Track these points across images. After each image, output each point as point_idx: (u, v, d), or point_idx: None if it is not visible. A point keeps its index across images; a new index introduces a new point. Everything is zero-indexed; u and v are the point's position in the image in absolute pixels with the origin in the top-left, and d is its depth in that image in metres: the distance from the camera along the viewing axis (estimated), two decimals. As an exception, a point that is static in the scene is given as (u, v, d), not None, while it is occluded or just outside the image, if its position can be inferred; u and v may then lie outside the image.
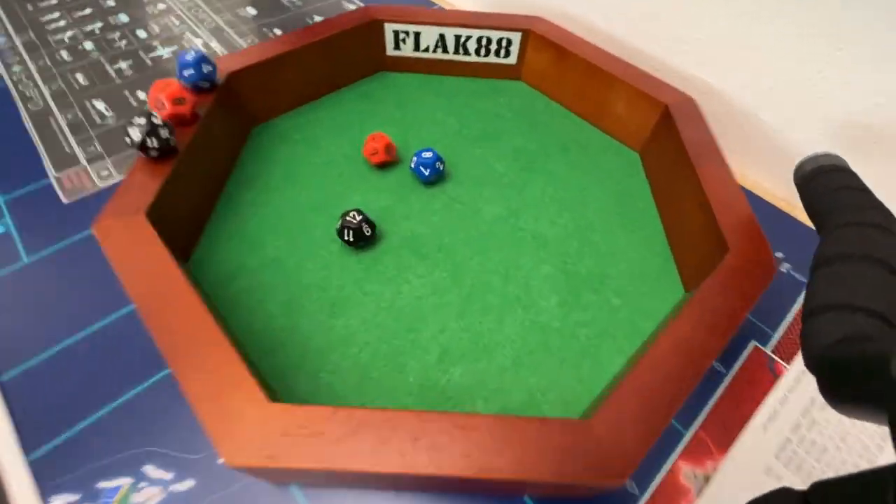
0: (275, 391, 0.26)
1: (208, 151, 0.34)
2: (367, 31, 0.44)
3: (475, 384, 0.28)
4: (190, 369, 0.21)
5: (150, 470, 0.25)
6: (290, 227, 0.34)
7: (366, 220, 0.32)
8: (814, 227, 0.24)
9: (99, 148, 0.40)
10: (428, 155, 0.36)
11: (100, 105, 0.44)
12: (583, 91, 0.43)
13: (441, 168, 0.37)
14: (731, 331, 0.25)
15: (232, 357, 0.22)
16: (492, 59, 0.46)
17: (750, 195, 0.42)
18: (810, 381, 0.31)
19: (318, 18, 0.57)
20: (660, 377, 0.23)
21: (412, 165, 0.37)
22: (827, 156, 0.26)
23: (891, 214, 0.21)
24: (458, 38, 0.45)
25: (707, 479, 0.27)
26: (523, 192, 0.38)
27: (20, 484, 0.24)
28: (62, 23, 0.53)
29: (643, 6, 0.45)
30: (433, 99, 0.46)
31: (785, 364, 0.31)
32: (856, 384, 0.16)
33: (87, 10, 0.54)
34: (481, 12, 0.45)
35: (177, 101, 0.31)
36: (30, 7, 0.54)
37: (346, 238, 0.32)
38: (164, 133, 0.29)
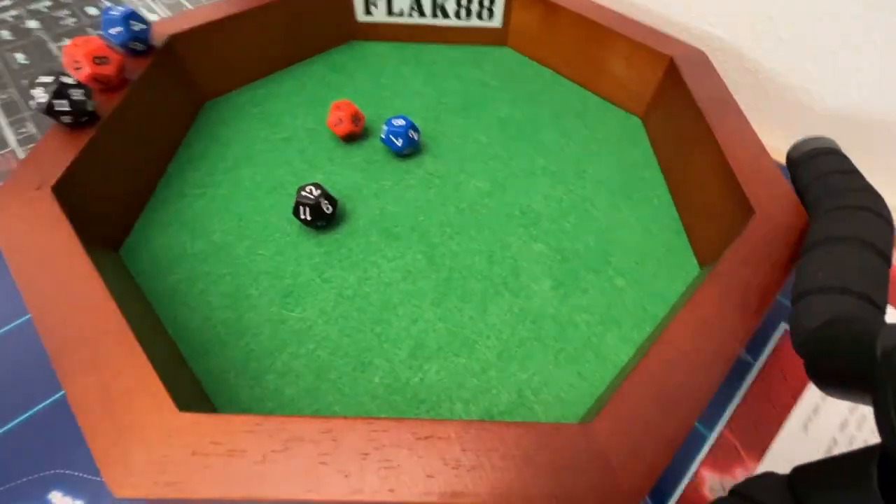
0: (206, 398, 0.22)
1: (144, 123, 0.29)
2: (333, -7, 0.39)
3: (453, 384, 0.23)
4: (77, 372, 0.17)
5: (57, 498, 0.21)
6: (241, 209, 0.30)
7: (325, 195, 0.28)
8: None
9: (33, 129, 0.36)
10: (400, 123, 0.32)
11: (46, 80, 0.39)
12: (576, 51, 0.39)
13: (416, 138, 0.32)
14: (764, 308, 0.20)
15: (137, 359, 0.17)
16: (474, 21, 0.42)
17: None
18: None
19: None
20: (678, 369, 0.18)
21: (382, 136, 0.32)
22: (818, 139, 0.26)
23: (879, 197, 0.21)
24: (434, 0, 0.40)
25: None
26: (510, 165, 0.34)
27: None
28: (7, 2, 0.48)
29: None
30: (410, 69, 0.41)
31: (822, 350, 0.26)
32: (842, 364, 0.16)
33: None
34: (460, -30, 0.41)
35: (98, 61, 0.26)
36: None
37: (302, 217, 0.27)
38: (76, 94, 0.24)
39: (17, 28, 0.45)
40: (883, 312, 0.18)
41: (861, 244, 0.19)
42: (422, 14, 0.41)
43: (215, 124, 0.35)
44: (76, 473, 0.21)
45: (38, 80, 0.24)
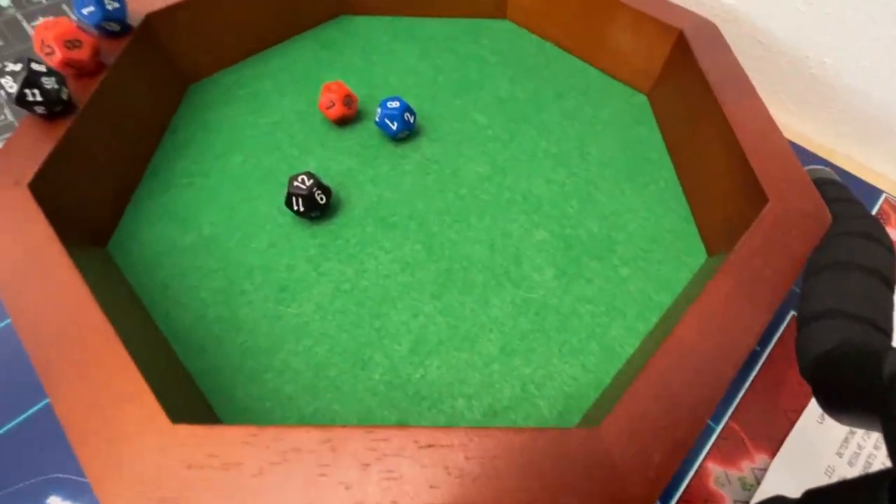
0: (205, 400, 0.21)
1: (124, 110, 0.28)
2: (320, -37, 0.37)
3: (455, 379, 0.23)
4: (63, 382, 0.16)
5: (56, 502, 0.20)
6: (231, 200, 0.29)
7: (318, 184, 0.26)
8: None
9: (9, 117, 0.34)
10: (394, 105, 0.30)
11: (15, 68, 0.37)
12: (579, 23, 0.37)
13: (411, 121, 0.31)
14: (778, 301, 0.19)
15: (125, 367, 0.17)
16: (471, -7, 0.39)
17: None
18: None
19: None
20: (688, 367, 0.17)
21: (377, 119, 0.31)
22: (818, 170, 0.27)
23: (880, 224, 0.21)
24: (429, -32, 0.38)
25: (743, 482, 0.22)
26: (511, 147, 0.32)
27: None
28: (-25, -22, 0.45)
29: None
30: (403, 44, 0.39)
31: (831, 337, 0.26)
32: (849, 390, 0.16)
33: (5, -37, 0.47)
34: (456, -65, 0.38)
35: (70, 45, 0.24)
36: (-62, -38, 0.47)
37: (295, 208, 0.26)
38: (49, 83, 0.23)
39: (-14, 6, 0.43)
40: (889, 338, 0.18)
41: (864, 270, 0.19)
42: (415, -15, 0.39)
43: (201, 109, 0.33)
44: (74, 478, 0.21)
45: (6, 68, 0.22)
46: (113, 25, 0.28)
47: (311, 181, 0.26)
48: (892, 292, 0.19)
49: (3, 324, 0.26)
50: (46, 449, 0.22)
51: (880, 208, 0.33)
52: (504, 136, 0.33)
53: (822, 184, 0.27)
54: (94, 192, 0.25)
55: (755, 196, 0.23)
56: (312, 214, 0.27)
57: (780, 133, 0.25)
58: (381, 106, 0.31)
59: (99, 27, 0.27)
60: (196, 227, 0.27)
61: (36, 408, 0.23)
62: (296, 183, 0.26)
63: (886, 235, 0.21)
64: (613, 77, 0.37)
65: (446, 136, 0.33)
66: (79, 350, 0.17)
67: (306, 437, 0.15)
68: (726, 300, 0.19)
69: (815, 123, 0.36)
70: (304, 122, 0.33)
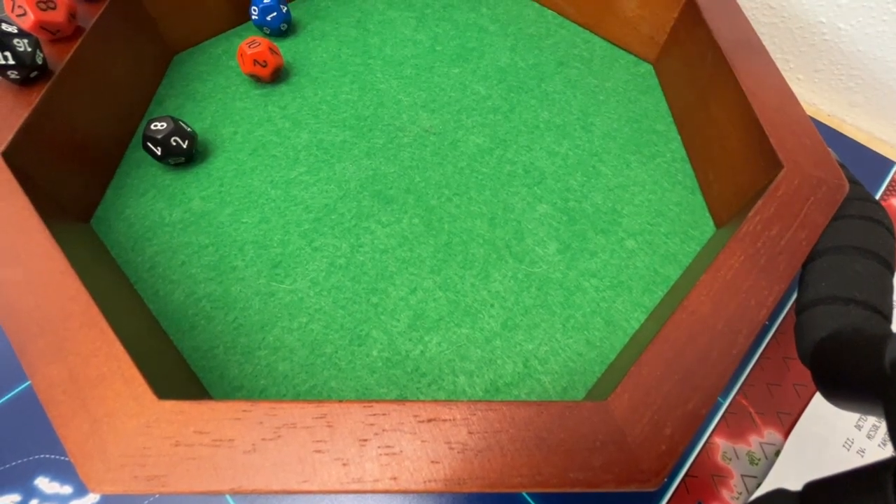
0: (197, 379, 0.20)
1: (105, 78, 0.26)
2: (310, -75, 0.35)
3: (456, 356, 0.22)
4: (42, 360, 0.15)
5: (44, 483, 0.20)
6: (221, 173, 0.28)
7: (178, 130, 0.25)
8: None
9: (-14, 89, 0.32)
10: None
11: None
12: (582, -10, 0.35)
13: (285, 9, 0.33)
14: (793, 271, 0.18)
15: (107, 342, 0.16)
16: (469, -43, 0.38)
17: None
18: None
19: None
20: (700, 339, 0.17)
21: (255, 18, 0.33)
22: None
23: (881, 206, 0.21)
24: (425, -70, 0.36)
25: (751, 457, 0.21)
26: (512, 118, 0.31)
27: None
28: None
29: None
30: (399, 13, 0.37)
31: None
32: (850, 376, 0.15)
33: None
34: None
35: (42, 6, 0.23)
36: None
37: (153, 153, 0.26)
38: (21, 45, 0.21)
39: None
40: (890, 322, 0.17)
41: (864, 254, 0.19)
42: (411, -51, 0.37)
43: (189, 79, 0.32)
44: (62, 458, 0.20)
45: (-29, 28, 0.21)
46: (90, -13, 0.26)
47: (170, 126, 0.25)
48: (893, 275, 0.19)
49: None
50: (31, 430, 0.21)
51: (892, 178, 0.32)
52: (504, 106, 0.32)
53: None
54: (75, 165, 0.24)
55: (769, 164, 0.22)
56: (170, 161, 0.26)
57: (797, 100, 0.23)
58: (254, 3, 0.32)
59: (75, -12, 0.26)
60: (185, 201, 0.26)
61: (20, 387, 0.22)
62: (152, 127, 0.25)
63: (887, 217, 0.20)
64: (618, 45, 0.36)
65: (444, 106, 0.31)
66: (60, 328, 0.16)
67: (301, 412, 0.15)
68: (739, 271, 0.18)
69: (826, 94, 0.35)
70: (296, 93, 0.32)
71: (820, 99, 0.35)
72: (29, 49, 0.22)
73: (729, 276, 0.18)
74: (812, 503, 0.13)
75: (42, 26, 0.23)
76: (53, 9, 0.23)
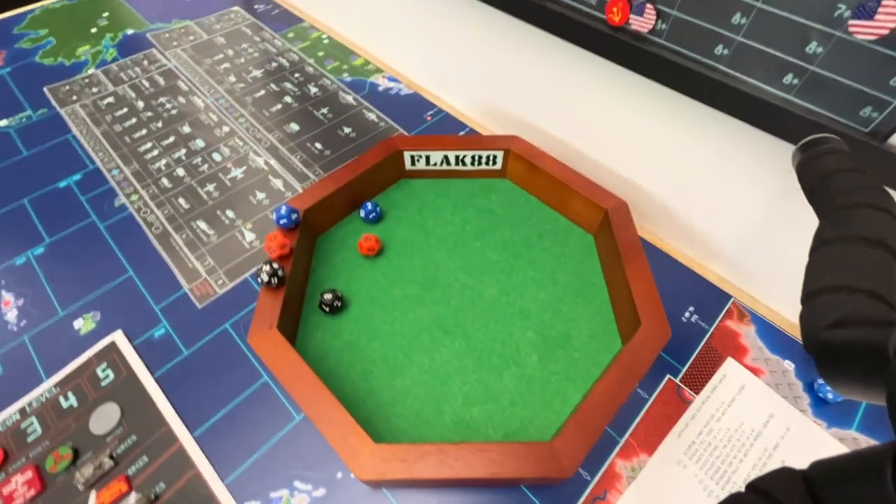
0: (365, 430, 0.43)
1: (299, 269, 0.51)
2: (392, 156, 0.60)
3: (487, 419, 0.45)
4: (329, 424, 0.38)
5: (299, 484, 0.42)
6: (357, 317, 0.51)
7: (337, 297, 0.49)
8: (815, 213, 0.24)
9: (211, 262, 0.57)
10: (369, 206, 0.57)
11: (202, 225, 0.61)
12: (550, 191, 0.60)
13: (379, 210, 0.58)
14: (639, 377, 0.41)
15: (348, 417, 0.39)
16: (483, 167, 0.63)
17: (666, 256, 0.58)
18: (711, 405, 0.47)
19: (346, 130, 0.73)
20: (593, 414, 0.39)
21: (362, 215, 0.58)
22: (823, 138, 0.26)
23: (888, 195, 0.21)
24: (457, 156, 0.61)
25: (633, 469, 0.43)
26: (511, 276, 0.55)
27: (224, 499, 0.41)
28: (155, 152, 0.69)
29: (593, 124, 0.61)
30: (442, 200, 0.62)
31: (690, 391, 0.48)
32: (853, 363, 0.16)
33: (171, 139, 0.71)
34: (473, 136, 0.61)
35: (282, 247, 0.47)
36: (128, 139, 0.71)
37: (324, 310, 0.49)
38: (280, 272, 0.45)
39: (171, 176, 0.66)
40: (894, 310, 0.17)
41: (869, 242, 0.18)
42: (448, 164, 0.62)
43: (327, 254, 0.56)
44: (306, 472, 0.43)
45: (262, 268, 0.45)
46: (292, 223, 0.51)
47: (331, 295, 0.49)
48: None
49: (254, 386, 0.48)
50: (291, 455, 0.43)
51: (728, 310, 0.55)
52: (507, 268, 0.55)
53: (827, 154, 0.25)
54: (291, 320, 0.48)
55: (635, 321, 0.45)
56: (328, 310, 0.50)
57: (654, 287, 0.47)
58: (363, 208, 0.56)
59: (286, 227, 0.50)
60: (339, 335, 0.50)
61: (283, 432, 0.45)
62: (325, 296, 0.49)
63: (893, 204, 0.20)
64: (573, 222, 0.60)
65: (473, 269, 0.55)
66: (326, 410, 0.39)
67: (432, 448, 0.37)
68: (616, 376, 0.41)
69: (686, 243, 0.59)
70: (389, 263, 0.56)
71: (687, 247, 0.59)
72: (283, 273, 0.46)
73: (611, 381, 0.41)
74: (815, 481, 0.14)
75: (280, 256, 0.48)
76: (286, 248, 0.48)
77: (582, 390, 0.46)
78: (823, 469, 0.14)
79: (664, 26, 0.40)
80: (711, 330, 0.52)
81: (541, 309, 0.52)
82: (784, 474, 0.16)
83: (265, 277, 0.45)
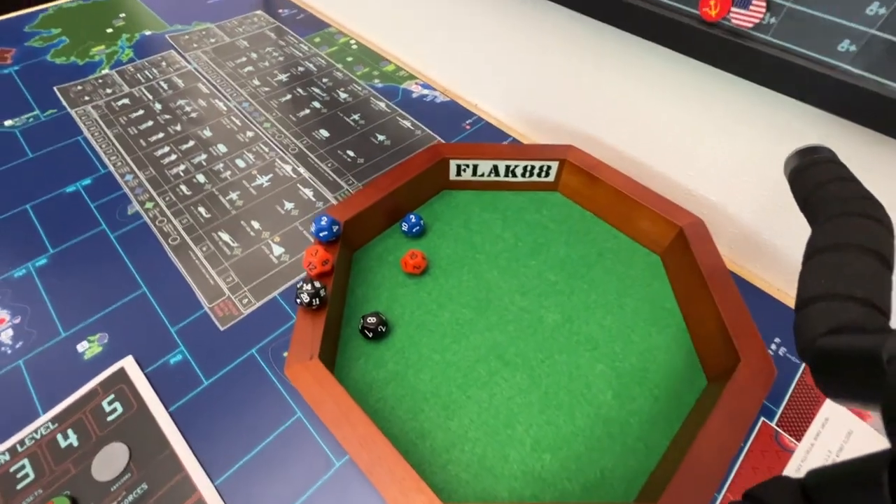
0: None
1: (338, 289, 0.45)
2: (436, 165, 0.55)
3: (561, 468, 0.38)
4: (385, 478, 0.32)
5: (338, 547, 0.35)
6: (402, 345, 0.45)
7: (381, 321, 0.43)
8: (806, 221, 0.25)
9: (235, 278, 0.51)
10: (413, 220, 0.51)
11: (225, 237, 0.55)
12: (610, 206, 0.54)
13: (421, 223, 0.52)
14: (749, 423, 0.35)
15: (408, 468, 0.32)
16: (533, 178, 0.57)
17: (748, 285, 0.52)
18: (818, 455, 0.41)
19: (381, 137, 0.68)
20: (703, 469, 0.33)
21: (404, 229, 0.52)
22: (816, 148, 0.27)
23: (879, 204, 0.21)
24: (507, 166, 0.56)
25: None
26: (573, 299, 0.49)
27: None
28: (173, 157, 0.64)
29: (656, 133, 0.56)
30: (490, 214, 0.56)
31: (790, 438, 0.41)
32: (848, 371, 0.16)
33: (191, 143, 0.66)
34: (525, 146, 0.56)
35: (324, 263, 0.41)
36: (143, 142, 0.65)
37: (367, 336, 0.43)
38: (322, 292, 0.39)
39: (190, 183, 0.60)
40: (888, 318, 0.18)
41: (863, 251, 0.19)
42: (497, 174, 0.57)
43: (365, 272, 0.50)
44: (347, 532, 0.36)
45: (302, 288, 0.39)
46: (332, 236, 0.45)
47: (374, 319, 0.42)
48: (892, 272, 0.18)
49: (286, 424, 0.41)
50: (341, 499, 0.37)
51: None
52: (567, 290, 0.50)
53: (820, 163, 0.26)
54: (330, 347, 0.42)
55: (733, 354, 0.39)
56: (373, 337, 0.43)
57: (748, 315, 0.41)
58: (405, 221, 0.51)
59: (326, 240, 0.44)
60: (383, 364, 0.43)
61: (317, 484, 0.38)
62: (369, 320, 0.42)
63: (885, 215, 0.20)
64: (636, 241, 0.54)
65: (530, 291, 0.49)
66: (382, 461, 0.32)
67: (513, 510, 0.31)
68: (720, 424, 0.35)
69: (771, 272, 0.53)
70: (436, 282, 0.50)
71: (771, 277, 0.54)
72: (325, 293, 0.40)
73: (714, 429, 0.34)
74: (813, 490, 0.14)
75: (321, 273, 0.42)
76: (327, 264, 0.42)
77: (669, 435, 0.40)
78: (820, 477, 0.15)
79: (773, 20, 0.36)
80: (804, 365, 0.46)
81: (609, 338, 0.46)
82: (781, 483, 0.16)
83: (306, 298, 0.39)
